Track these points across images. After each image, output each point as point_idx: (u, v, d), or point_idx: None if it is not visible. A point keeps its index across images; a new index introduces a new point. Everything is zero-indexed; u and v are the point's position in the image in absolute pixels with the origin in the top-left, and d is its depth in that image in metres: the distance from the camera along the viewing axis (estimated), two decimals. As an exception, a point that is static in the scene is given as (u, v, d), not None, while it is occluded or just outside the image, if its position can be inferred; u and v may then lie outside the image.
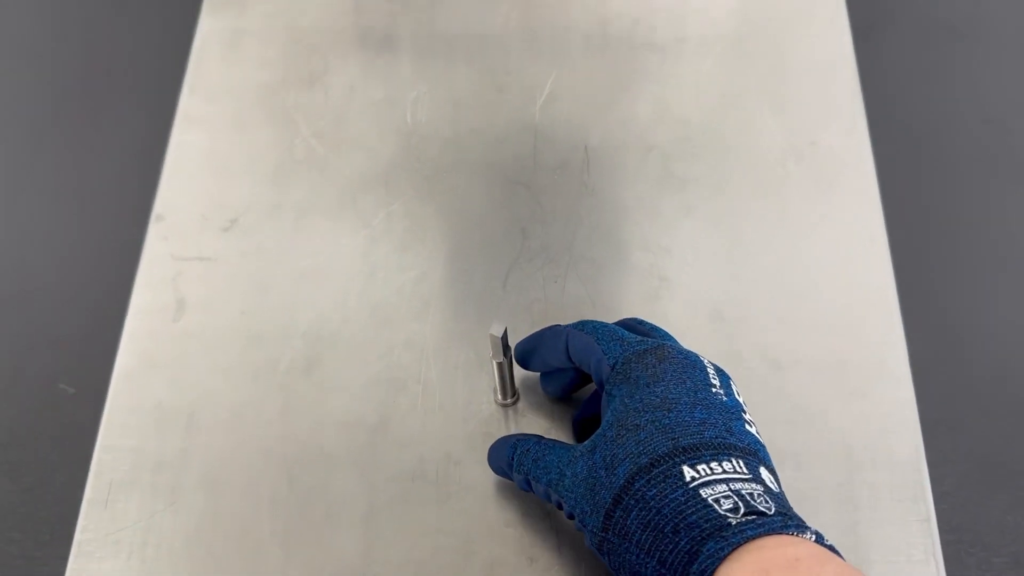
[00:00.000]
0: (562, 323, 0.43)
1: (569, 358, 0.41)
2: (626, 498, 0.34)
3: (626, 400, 0.37)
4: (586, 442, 0.37)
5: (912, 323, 0.48)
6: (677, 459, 0.34)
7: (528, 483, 0.40)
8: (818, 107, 0.56)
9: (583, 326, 0.41)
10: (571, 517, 0.37)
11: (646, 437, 0.35)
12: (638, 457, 0.34)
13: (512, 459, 0.40)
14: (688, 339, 0.45)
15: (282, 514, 0.43)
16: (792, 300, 0.49)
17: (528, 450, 0.40)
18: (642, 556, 0.33)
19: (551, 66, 0.58)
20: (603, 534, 0.34)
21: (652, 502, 0.33)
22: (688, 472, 0.33)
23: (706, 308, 0.49)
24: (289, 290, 0.49)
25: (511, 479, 0.41)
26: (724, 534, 0.31)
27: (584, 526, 0.36)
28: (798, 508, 0.43)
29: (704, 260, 0.50)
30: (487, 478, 0.43)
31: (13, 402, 0.89)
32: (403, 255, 0.50)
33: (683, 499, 0.33)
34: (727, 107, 0.56)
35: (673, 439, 0.34)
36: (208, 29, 0.60)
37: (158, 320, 0.48)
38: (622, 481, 0.34)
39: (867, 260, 0.50)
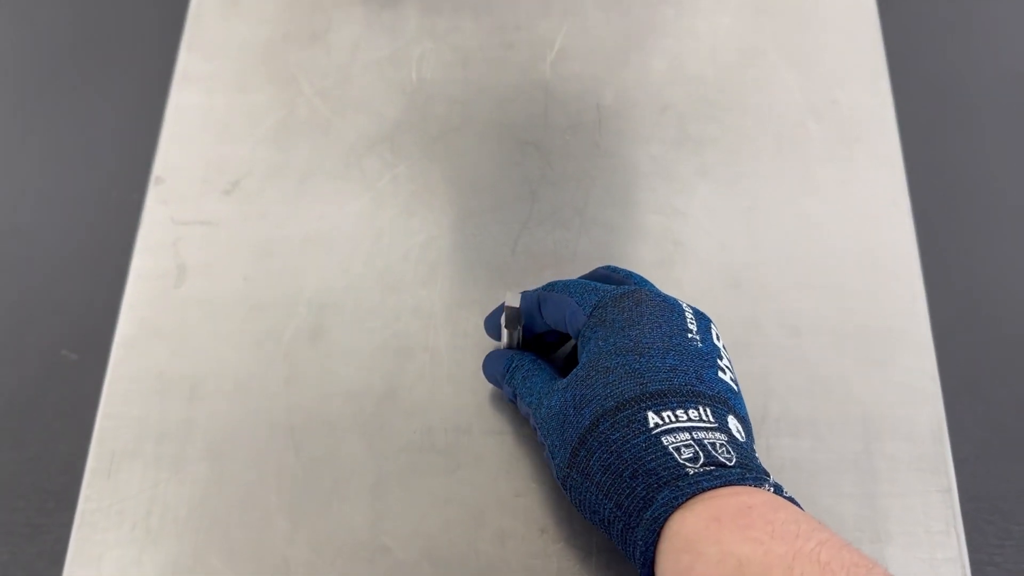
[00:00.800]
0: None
1: (545, 323, 0.41)
2: (590, 439, 0.34)
3: (600, 343, 0.36)
4: (565, 378, 0.37)
5: (933, 288, 0.46)
6: (643, 404, 0.34)
7: (515, 397, 0.40)
8: (839, 63, 0.54)
9: (553, 286, 0.40)
10: (544, 445, 0.37)
11: (615, 380, 0.35)
12: (605, 400, 0.34)
13: (507, 370, 0.41)
14: (704, 304, 0.44)
15: (288, 485, 0.42)
16: (811, 265, 0.47)
17: (521, 365, 0.40)
18: (601, 497, 0.33)
19: (562, 20, 0.56)
20: (567, 470, 0.35)
21: (614, 446, 0.33)
22: (652, 418, 0.33)
23: (722, 273, 0.47)
24: (293, 255, 0.48)
25: (502, 389, 0.42)
26: (680, 483, 0.31)
27: (552, 459, 0.36)
28: (815, 479, 0.42)
29: (720, 223, 0.49)
30: (497, 448, 0.42)
31: (15, 369, 0.88)
32: (410, 219, 0.49)
33: (644, 445, 0.33)
34: (745, 64, 0.54)
35: (641, 384, 0.34)
36: (206, -16, 0.57)
37: (159, 286, 0.47)
38: (588, 422, 0.34)
39: (889, 224, 0.49)
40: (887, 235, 0.48)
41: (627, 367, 0.35)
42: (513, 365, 0.40)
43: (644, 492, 0.32)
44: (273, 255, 0.48)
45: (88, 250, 0.94)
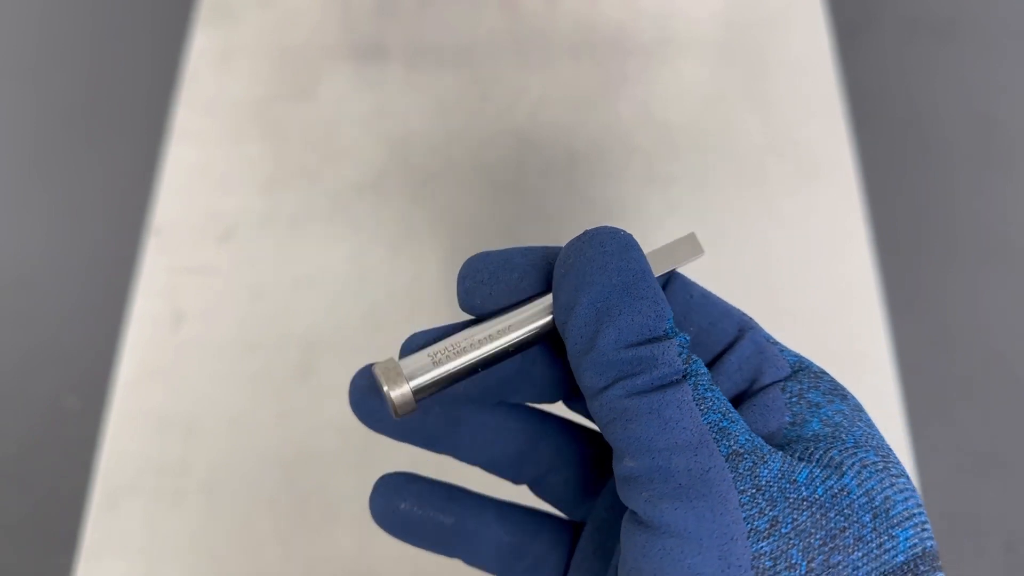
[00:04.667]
0: None
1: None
2: None
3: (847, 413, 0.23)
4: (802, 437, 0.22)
5: (902, 315, 0.49)
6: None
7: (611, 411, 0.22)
8: (798, 105, 0.57)
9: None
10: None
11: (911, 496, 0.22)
12: (921, 529, 0.21)
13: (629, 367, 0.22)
14: (672, 334, 0.46)
15: (281, 514, 0.44)
16: (774, 293, 0.50)
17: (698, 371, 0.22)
18: None
19: (537, 72, 0.59)
20: None
21: None
22: None
23: (691, 304, 0.50)
24: (284, 298, 0.51)
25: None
26: None
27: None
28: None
29: (688, 257, 0.52)
30: (478, 475, 0.45)
31: (21, 416, 0.91)
32: (394, 260, 0.52)
33: None
34: (708, 108, 0.57)
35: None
36: (201, 46, 0.61)
37: (158, 330, 0.50)
38: (902, 559, 0.20)
39: (847, 252, 0.52)
40: (845, 263, 0.51)
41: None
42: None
43: None
44: (265, 299, 0.51)
45: (88, 301, 0.97)
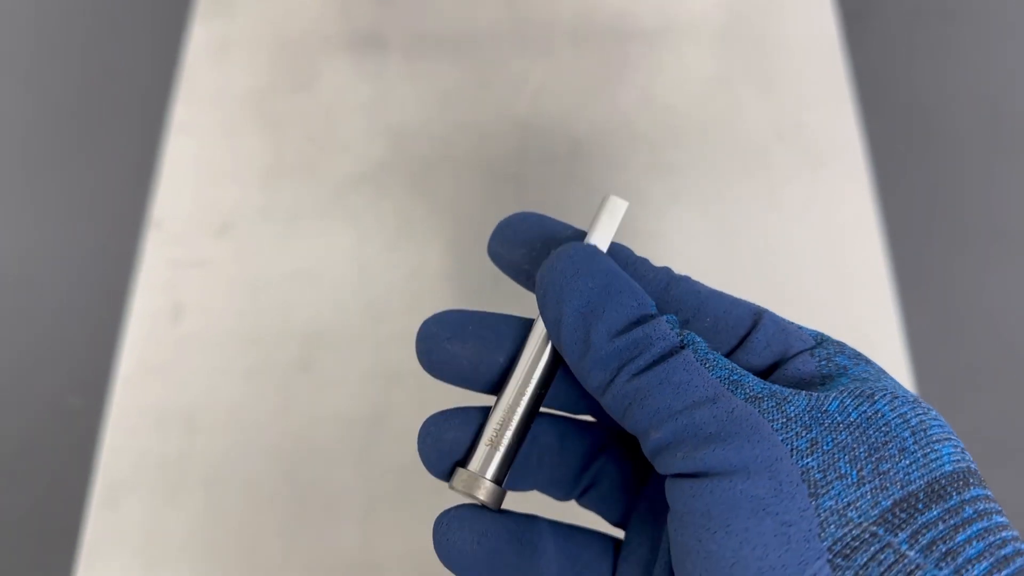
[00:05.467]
0: None
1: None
2: (954, 496, 0.20)
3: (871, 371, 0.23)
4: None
5: (912, 304, 0.48)
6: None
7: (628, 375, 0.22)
8: (803, 89, 0.56)
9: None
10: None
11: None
12: (962, 454, 0.21)
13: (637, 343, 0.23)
14: (677, 323, 0.46)
15: (282, 509, 0.43)
16: (782, 280, 0.49)
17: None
18: None
19: (538, 60, 0.58)
20: (874, 527, 0.19)
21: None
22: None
23: (696, 293, 0.49)
24: (284, 291, 0.50)
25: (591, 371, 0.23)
26: None
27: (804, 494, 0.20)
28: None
29: (693, 244, 0.51)
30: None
31: (23, 415, 0.91)
32: (393, 252, 0.51)
33: None
34: (711, 92, 0.56)
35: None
36: (200, 38, 0.61)
37: (157, 324, 0.49)
38: (948, 468, 0.20)
39: (856, 237, 0.51)
40: (854, 248, 0.50)
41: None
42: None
43: None
44: (265, 291, 0.50)
45: (88, 296, 0.97)
